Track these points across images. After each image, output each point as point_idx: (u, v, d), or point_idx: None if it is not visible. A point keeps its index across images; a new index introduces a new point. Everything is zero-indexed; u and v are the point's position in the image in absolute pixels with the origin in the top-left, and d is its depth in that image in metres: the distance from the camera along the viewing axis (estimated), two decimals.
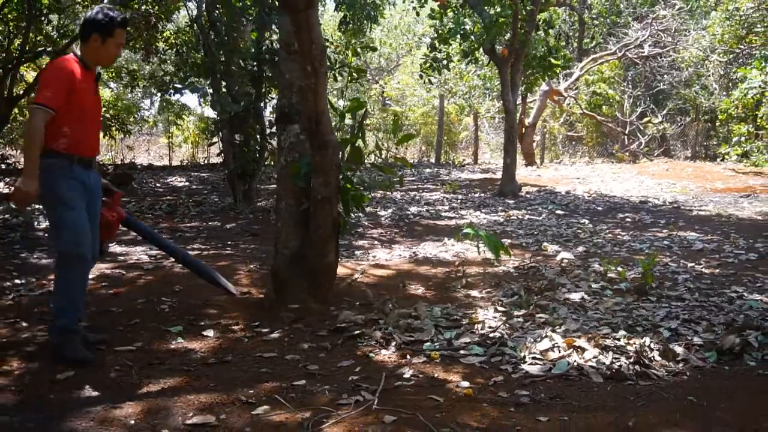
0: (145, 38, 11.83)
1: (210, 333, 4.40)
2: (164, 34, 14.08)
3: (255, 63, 10.33)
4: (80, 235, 3.80)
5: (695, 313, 4.79)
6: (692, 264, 6.51)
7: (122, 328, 4.48)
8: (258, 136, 10.67)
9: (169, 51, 14.30)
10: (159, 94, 16.34)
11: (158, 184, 14.74)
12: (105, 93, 18.81)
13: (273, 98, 11.07)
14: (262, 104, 10.65)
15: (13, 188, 3.73)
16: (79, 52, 3.99)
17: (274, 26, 9.79)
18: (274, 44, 9.99)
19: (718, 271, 6.26)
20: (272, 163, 12.46)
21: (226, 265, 6.32)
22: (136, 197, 12.00)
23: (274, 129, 11.34)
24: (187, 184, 15.01)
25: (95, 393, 3.39)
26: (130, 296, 5.27)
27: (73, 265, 3.82)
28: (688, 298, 5.21)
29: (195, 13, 11.56)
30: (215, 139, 12.12)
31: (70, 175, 3.81)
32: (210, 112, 13.95)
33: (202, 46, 11.19)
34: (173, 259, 5.44)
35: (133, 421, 3.04)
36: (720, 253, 7.15)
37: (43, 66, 11.19)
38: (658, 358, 3.84)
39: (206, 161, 20.97)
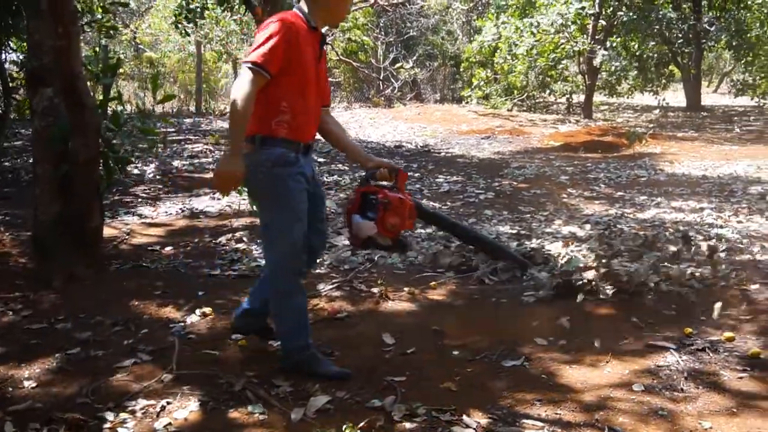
0: None
1: None
2: None
3: None
4: (299, 246, 3.13)
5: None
6: (440, 205, 7.21)
7: None
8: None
9: None
10: None
11: None
12: None
13: (15, 50, 10.23)
14: (2, 56, 9.80)
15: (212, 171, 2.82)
16: (304, 8, 3.11)
17: None
18: None
19: (462, 210, 7.01)
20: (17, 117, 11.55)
21: None
22: None
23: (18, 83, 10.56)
24: None
25: None
26: None
27: (289, 281, 3.18)
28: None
29: None
30: None
31: (297, 171, 3.06)
32: None
33: None
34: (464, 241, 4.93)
35: None
36: (464, 193, 7.96)
37: None
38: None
39: None
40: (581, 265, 4.45)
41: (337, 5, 3.13)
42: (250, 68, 2.86)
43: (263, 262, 5.07)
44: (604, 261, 4.49)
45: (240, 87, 2.84)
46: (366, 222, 3.22)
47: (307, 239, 3.19)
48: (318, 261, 3.71)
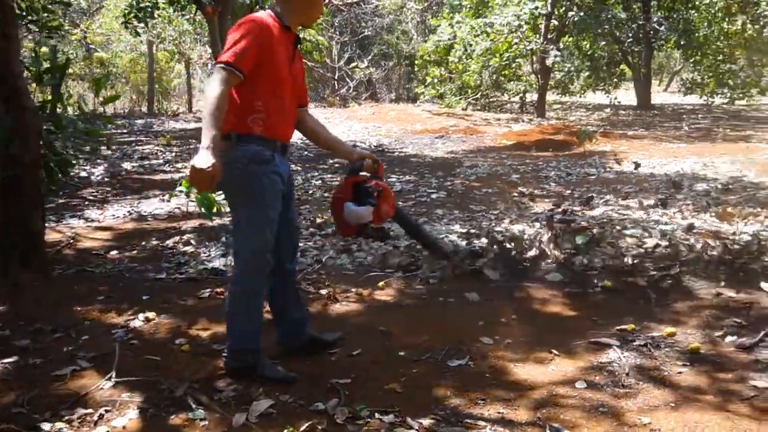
0: None
1: None
2: None
3: None
4: (269, 242, 3.11)
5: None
6: None
7: None
8: None
9: None
10: None
11: None
12: None
13: None
14: None
15: (189, 167, 2.78)
16: (277, 8, 3.12)
17: None
18: None
19: (413, 209, 7.02)
20: None
21: None
22: None
23: None
24: None
25: None
26: None
27: (261, 280, 3.15)
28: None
29: None
30: None
31: (272, 169, 3.06)
32: None
33: None
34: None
35: None
36: (416, 192, 7.97)
37: None
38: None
39: None
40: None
41: (310, 6, 3.16)
42: (222, 68, 2.87)
43: (216, 263, 5.05)
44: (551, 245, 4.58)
45: (213, 86, 2.85)
46: (365, 208, 3.40)
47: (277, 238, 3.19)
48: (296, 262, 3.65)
